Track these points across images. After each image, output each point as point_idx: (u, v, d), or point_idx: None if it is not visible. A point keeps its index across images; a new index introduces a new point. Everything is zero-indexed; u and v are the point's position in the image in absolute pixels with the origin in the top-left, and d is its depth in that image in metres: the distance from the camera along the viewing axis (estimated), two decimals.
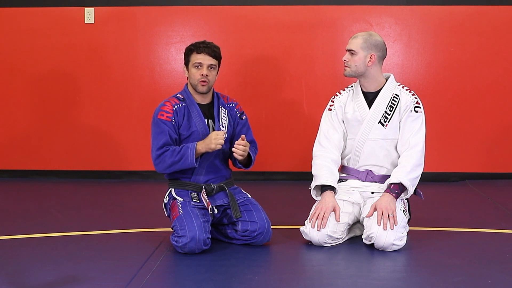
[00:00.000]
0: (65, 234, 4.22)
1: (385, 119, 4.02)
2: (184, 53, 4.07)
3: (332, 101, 4.18)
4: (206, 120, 4.03)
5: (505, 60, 6.19)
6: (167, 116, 3.95)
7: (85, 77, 6.34)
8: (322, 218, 3.87)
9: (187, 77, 4.05)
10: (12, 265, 3.50)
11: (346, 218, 3.95)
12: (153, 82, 6.33)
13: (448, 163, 6.29)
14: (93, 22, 6.26)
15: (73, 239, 4.11)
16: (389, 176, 3.99)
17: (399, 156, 4.03)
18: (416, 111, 4.01)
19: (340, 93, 4.19)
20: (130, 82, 6.34)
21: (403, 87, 4.08)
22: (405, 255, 3.73)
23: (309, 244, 3.92)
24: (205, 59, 3.99)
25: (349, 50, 4.03)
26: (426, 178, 6.14)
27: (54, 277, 3.29)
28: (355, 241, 3.99)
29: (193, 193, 3.95)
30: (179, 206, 3.86)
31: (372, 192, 4.03)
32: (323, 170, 4.02)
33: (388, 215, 3.80)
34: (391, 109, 4.02)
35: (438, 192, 5.76)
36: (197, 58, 3.98)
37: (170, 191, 4.02)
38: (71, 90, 6.36)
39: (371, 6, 6.23)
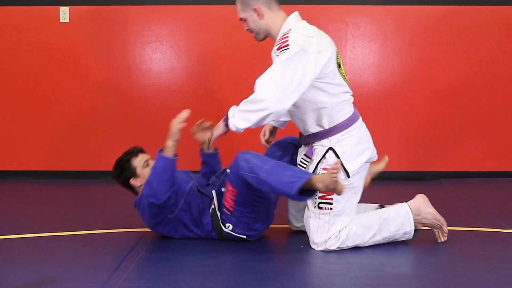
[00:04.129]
0: (41, 235, 4.19)
1: None
2: (121, 170, 4.05)
3: None
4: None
5: (480, 60, 6.24)
6: None
7: (61, 77, 6.29)
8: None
9: (139, 184, 4.02)
10: None
11: None
12: (129, 82, 6.30)
13: (423, 162, 6.33)
14: (68, 22, 6.22)
15: (49, 240, 4.08)
16: (316, 133, 3.80)
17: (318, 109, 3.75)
18: (283, 51, 3.64)
19: None
20: (105, 81, 6.30)
21: (285, 34, 3.69)
22: (381, 253, 3.75)
23: (286, 241, 3.94)
24: (147, 155, 4.09)
25: (240, 20, 3.89)
26: (402, 177, 6.23)
27: (31, 278, 3.27)
28: None
29: None
30: None
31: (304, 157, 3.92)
32: None
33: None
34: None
35: (414, 191, 5.74)
36: (142, 157, 4.05)
37: None
38: (47, 89, 6.31)
39: (347, 6, 6.24)
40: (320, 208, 3.72)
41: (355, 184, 3.79)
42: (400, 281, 3.28)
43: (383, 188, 5.63)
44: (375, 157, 3.95)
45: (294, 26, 3.75)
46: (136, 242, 3.94)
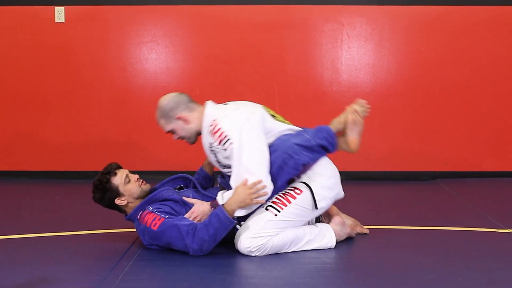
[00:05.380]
0: (35, 235, 4.18)
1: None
2: (103, 192, 3.83)
3: None
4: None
5: (474, 60, 6.25)
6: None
7: (56, 77, 6.28)
8: None
9: (125, 202, 3.84)
10: None
11: None
12: (124, 82, 6.29)
13: (419, 162, 6.34)
14: (63, 21, 6.21)
15: (44, 241, 4.07)
16: None
17: None
18: (228, 144, 3.63)
19: None
20: (101, 81, 6.29)
21: (212, 126, 3.70)
22: (376, 253, 3.75)
23: None
24: (125, 170, 3.88)
25: (168, 133, 3.89)
26: (397, 177, 6.23)
27: (25, 279, 3.26)
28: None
29: None
30: None
31: None
32: None
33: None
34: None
35: (409, 190, 5.80)
36: (121, 173, 3.84)
37: None
38: (42, 90, 6.30)
39: (342, 6, 6.25)
40: (267, 209, 3.69)
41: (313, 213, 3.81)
42: (395, 281, 3.29)
43: (379, 188, 5.65)
44: (341, 194, 3.90)
45: (215, 114, 3.76)
46: (132, 242, 3.93)
